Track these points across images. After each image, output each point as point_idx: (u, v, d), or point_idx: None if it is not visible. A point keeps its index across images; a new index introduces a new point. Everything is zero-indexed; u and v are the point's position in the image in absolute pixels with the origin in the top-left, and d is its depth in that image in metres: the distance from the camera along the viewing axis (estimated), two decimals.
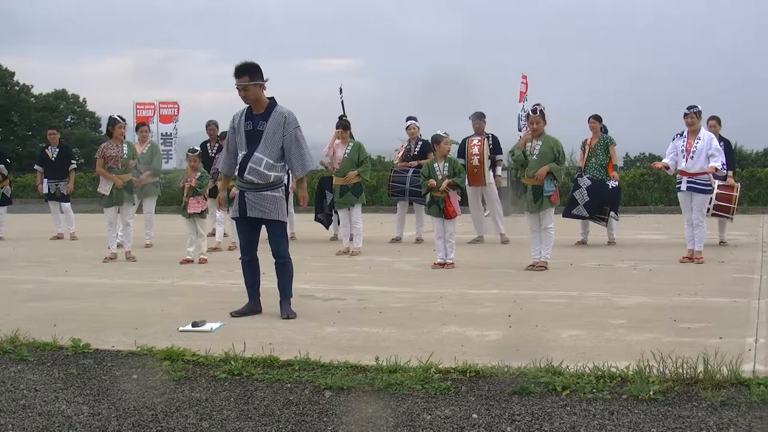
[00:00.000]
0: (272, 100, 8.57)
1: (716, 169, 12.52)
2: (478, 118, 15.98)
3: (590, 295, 9.56)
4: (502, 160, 16.79)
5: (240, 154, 8.48)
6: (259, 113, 8.48)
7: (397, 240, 16.54)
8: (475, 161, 14.91)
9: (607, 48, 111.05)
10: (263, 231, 8.74)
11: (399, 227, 16.77)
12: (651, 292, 9.70)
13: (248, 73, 8.42)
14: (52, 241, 18.09)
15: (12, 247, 16.64)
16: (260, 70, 8.52)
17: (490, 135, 16.07)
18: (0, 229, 18.38)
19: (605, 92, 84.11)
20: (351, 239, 14.56)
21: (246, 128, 8.48)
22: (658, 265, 12.17)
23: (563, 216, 15.01)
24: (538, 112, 11.98)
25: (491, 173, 15.77)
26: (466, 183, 15.08)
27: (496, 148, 16.06)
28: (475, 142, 15.11)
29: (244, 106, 8.63)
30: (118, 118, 14.24)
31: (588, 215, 14.81)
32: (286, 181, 8.94)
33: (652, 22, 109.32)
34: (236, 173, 8.59)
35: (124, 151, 13.86)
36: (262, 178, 8.37)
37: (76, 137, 62.98)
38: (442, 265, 12.26)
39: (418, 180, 15.00)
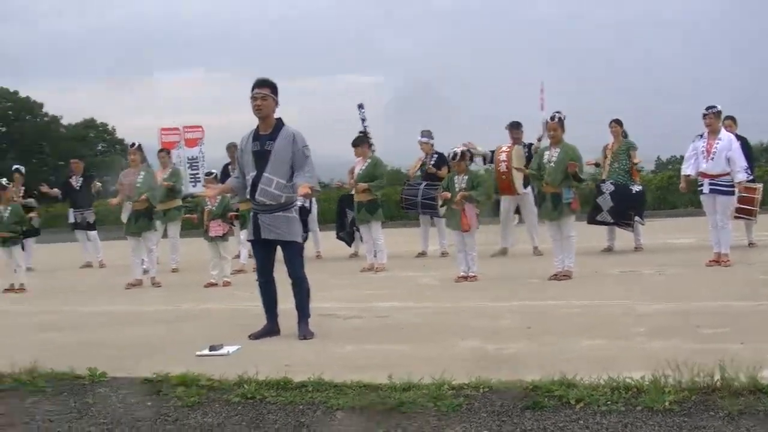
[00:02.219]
0: (280, 120, 8.53)
1: (743, 183, 12.40)
2: (514, 127, 15.87)
3: (612, 303, 9.42)
4: None
5: (249, 176, 8.45)
6: (267, 133, 8.44)
7: (422, 254, 16.48)
8: (503, 168, 14.76)
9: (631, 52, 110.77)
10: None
11: (423, 241, 16.72)
12: (674, 298, 9.54)
13: (268, 86, 8.44)
14: (80, 270, 18.20)
15: (40, 277, 16.72)
16: (278, 90, 8.53)
17: (528, 144, 15.94)
18: (29, 259, 18.45)
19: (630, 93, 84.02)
20: (375, 255, 14.51)
21: (253, 149, 8.43)
22: (684, 270, 12.04)
23: (587, 223, 14.91)
24: (556, 119, 11.92)
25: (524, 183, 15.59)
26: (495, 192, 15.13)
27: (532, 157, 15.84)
28: (504, 149, 14.97)
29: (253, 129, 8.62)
30: (130, 145, 14.32)
31: (613, 221, 14.67)
32: (299, 203, 8.90)
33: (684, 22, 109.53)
34: (248, 195, 8.58)
35: (139, 179, 13.84)
36: (273, 199, 8.31)
37: (106, 165, 63.25)
38: (465, 278, 12.16)
39: (431, 193, 14.94)
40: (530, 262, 14.53)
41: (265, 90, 8.41)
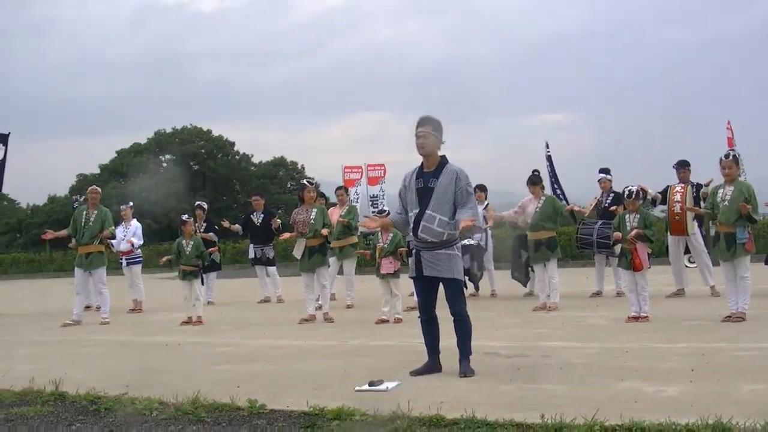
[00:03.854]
0: (444, 158, 8.60)
1: None
2: (682, 166, 15.57)
3: None
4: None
5: (412, 213, 8.53)
6: (431, 171, 8.53)
7: (597, 294, 16.29)
8: (677, 209, 14.52)
9: None
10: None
11: (598, 281, 16.54)
12: None
13: (431, 125, 8.52)
14: (258, 305, 18.64)
15: (219, 311, 17.21)
16: (442, 127, 8.60)
17: (696, 183, 15.61)
18: (210, 294, 18.99)
19: None
20: (549, 295, 14.41)
21: (417, 186, 8.53)
22: None
23: (765, 264, 14.48)
24: (731, 157, 11.66)
25: (695, 223, 15.26)
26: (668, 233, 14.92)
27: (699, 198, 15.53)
28: (678, 189, 14.72)
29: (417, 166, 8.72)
30: (306, 182, 14.64)
31: None
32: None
33: None
34: (410, 232, 8.67)
35: (312, 216, 14.12)
36: (435, 236, 8.36)
37: (295, 203, 64.78)
38: (636, 318, 11.95)
39: (606, 232, 14.78)
40: (705, 303, 14.14)
41: (427, 128, 8.50)
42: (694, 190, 15.18)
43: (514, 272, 17.43)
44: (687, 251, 15.70)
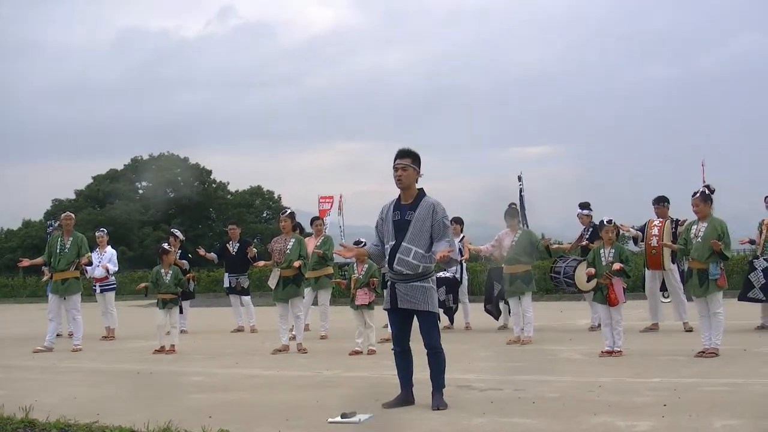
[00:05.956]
0: (421, 191, 8.63)
1: None
2: (658, 202, 15.61)
3: (757, 381, 9.16)
4: None
5: (388, 245, 8.54)
6: (408, 203, 8.55)
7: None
8: (654, 242, 14.60)
9: None
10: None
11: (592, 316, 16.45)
12: None
13: (410, 157, 8.56)
14: (232, 334, 18.56)
15: (192, 340, 17.14)
16: (420, 160, 8.63)
17: (675, 219, 15.66)
18: (183, 322, 18.84)
19: None
20: (522, 328, 14.40)
21: (394, 218, 8.54)
22: None
23: (738, 299, 14.59)
24: (698, 195, 11.76)
25: (671, 258, 15.31)
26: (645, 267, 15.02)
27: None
28: (656, 223, 14.81)
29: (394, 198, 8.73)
30: (281, 212, 14.70)
31: (765, 298, 14.26)
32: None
33: None
34: (385, 264, 8.66)
35: (289, 246, 14.13)
36: (410, 269, 8.36)
37: (271, 232, 64.51)
38: (610, 353, 11.96)
39: (569, 272, 14.89)
40: (678, 338, 14.17)
41: (406, 161, 8.53)
42: (673, 225, 15.18)
43: (487, 305, 17.43)
44: (663, 287, 15.67)
